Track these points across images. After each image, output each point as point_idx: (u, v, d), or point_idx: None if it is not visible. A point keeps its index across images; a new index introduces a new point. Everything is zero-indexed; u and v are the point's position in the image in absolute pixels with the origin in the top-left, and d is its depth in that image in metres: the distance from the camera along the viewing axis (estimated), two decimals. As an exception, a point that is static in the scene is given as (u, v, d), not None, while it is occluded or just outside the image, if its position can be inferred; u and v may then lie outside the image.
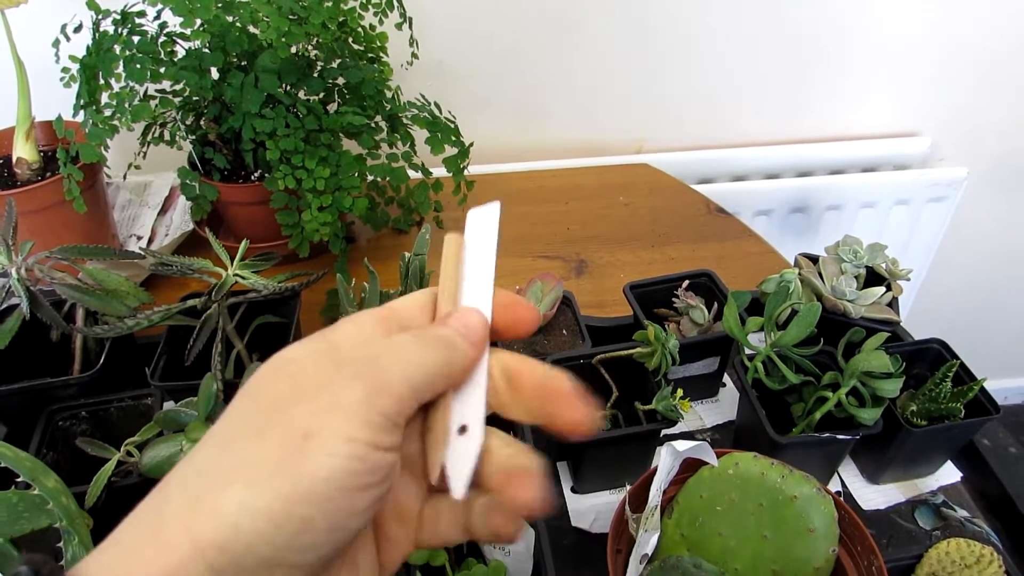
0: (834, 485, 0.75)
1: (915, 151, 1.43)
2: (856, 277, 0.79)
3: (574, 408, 0.30)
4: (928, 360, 0.76)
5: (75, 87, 0.86)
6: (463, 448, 0.30)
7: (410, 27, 0.95)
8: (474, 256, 0.34)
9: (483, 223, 0.35)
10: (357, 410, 0.26)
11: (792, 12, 1.25)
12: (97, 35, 0.85)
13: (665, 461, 0.57)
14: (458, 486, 0.30)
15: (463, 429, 0.30)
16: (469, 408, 0.31)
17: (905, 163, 1.44)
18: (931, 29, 1.31)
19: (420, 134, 0.93)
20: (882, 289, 0.78)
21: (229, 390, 0.66)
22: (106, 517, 0.60)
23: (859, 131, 1.44)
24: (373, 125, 0.91)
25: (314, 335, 0.30)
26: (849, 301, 0.77)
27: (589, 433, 0.31)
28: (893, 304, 0.79)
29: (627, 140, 1.38)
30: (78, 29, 0.87)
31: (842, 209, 1.38)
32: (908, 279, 0.81)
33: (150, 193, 1.14)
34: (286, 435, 0.26)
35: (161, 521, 0.25)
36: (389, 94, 0.93)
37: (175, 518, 0.25)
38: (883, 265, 0.81)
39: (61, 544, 0.52)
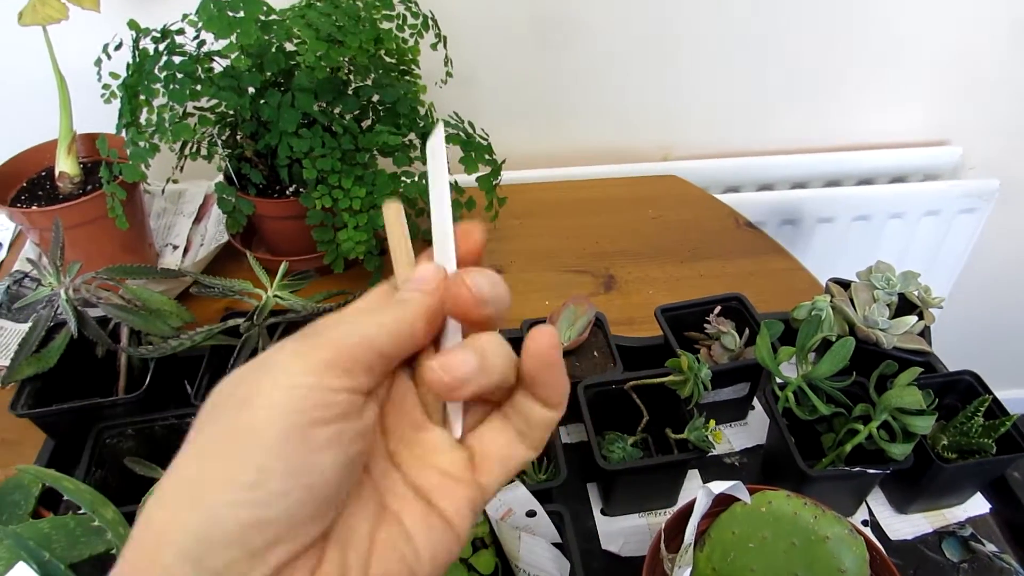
0: (861, 514, 0.75)
1: (946, 161, 1.42)
2: (888, 305, 0.80)
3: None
4: (959, 391, 0.76)
5: (115, 104, 0.88)
6: None
7: (444, 46, 0.95)
8: (436, 183, 0.34)
9: (434, 150, 0.34)
10: (290, 365, 0.27)
11: (822, 18, 1.24)
12: (137, 54, 0.87)
13: (700, 501, 0.58)
14: (456, 428, 0.32)
15: None
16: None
17: (935, 173, 1.43)
18: (964, 36, 1.30)
19: (452, 151, 0.94)
20: (914, 319, 0.78)
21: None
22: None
23: (889, 140, 1.43)
24: (407, 143, 0.92)
25: None
26: (881, 330, 0.77)
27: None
28: (925, 333, 0.80)
29: (654, 147, 1.38)
30: (119, 47, 0.88)
31: (870, 219, 1.38)
32: (940, 307, 0.81)
33: (185, 201, 1.16)
34: (229, 410, 0.27)
35: (148, 542, 0.26)
36: (423, 111, 0.94)
37: (156, 533, 0.25)
38: (916, 292, 0.82)
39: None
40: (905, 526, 0.75)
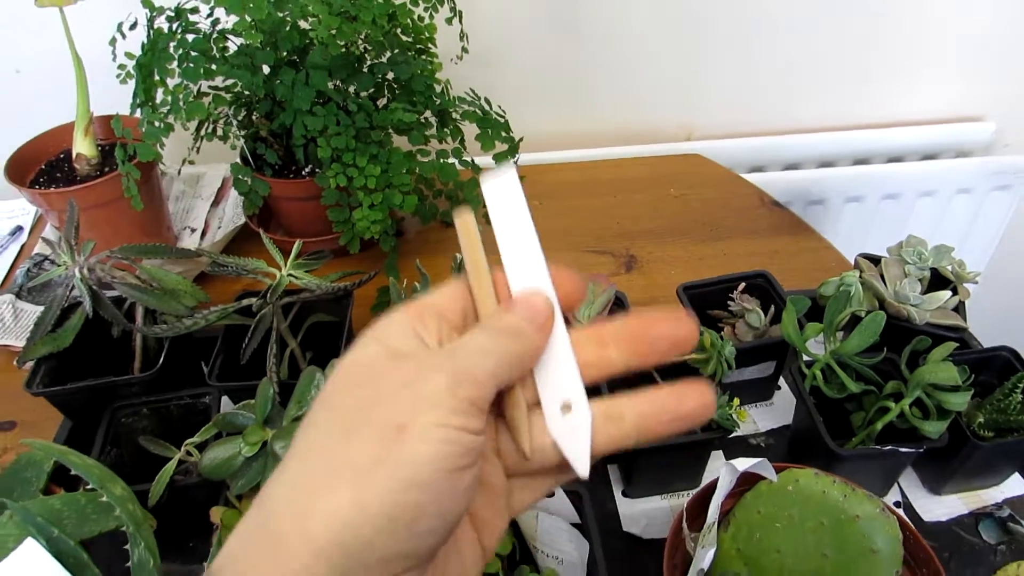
0: (893, 495, 0.73)
1: (979, 137, 1.37)
2: (920, 280, 0.77)
3: (669, 324, 0.31)
4: (996, 368, 0.73)
5: (131, 84, 0.87)
6: (573, 425, 0.31)
7: (460, 21, 0.93)
8: (507, 230, 0.32)
9: (503, 192, 0.32)
10: (442, 399, 0.27)
11: (852, -6, 1.21)
12: (152, 32, 0.86)
13: (724, 479, 0.56)
14: (580, 464, 0.30)
15: (566, 407, 0.31)
16: (565, 385, 0.31)
17: (968, 150, 1.39)
18: (998, 9, 1.25)
19: (469, 129, 0.93)
20: (948, 293, 0.75)
21: (284, 392, 0.67)
22: (168, 515, 0.62)
23: (919, 116, 1.39)
24: (423, 121, 0.91)
25: (362, 340, 0.30)
26: (913, 306, 0.74)
27: (692, 346, 0.32)
28: (959, 309, 0.76)
29: (676, 127, 1.35)
30: (133, 26, 0.87)
31: (900, 198, 1.34)
32: (976, 282, 0.78)
33: (203, 185, 1.16)
34: (379, 431, 0.26)
35: (274, 534, 0.26)
36: (438, 88, 0.92)
37: (288, 528, 0.26)
38: (949, 267, 0.78)
39: (128, 546, 0.54)
40: (939, 508, 0.72)
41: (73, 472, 0.53)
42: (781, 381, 0.84)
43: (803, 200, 1.32)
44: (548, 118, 1.30)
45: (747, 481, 0.60)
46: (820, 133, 1.36)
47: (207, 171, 1.17)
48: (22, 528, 0.52)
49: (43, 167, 0.98)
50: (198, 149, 0.97)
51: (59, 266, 0.74)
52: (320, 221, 0.95)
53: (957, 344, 0.67)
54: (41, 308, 0.96)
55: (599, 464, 0.77)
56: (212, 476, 0.63)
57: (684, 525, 0.58)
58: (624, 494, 0.75)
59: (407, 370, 0.28)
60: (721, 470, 0.57)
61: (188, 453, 0.67)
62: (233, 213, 1.10)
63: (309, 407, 0.64)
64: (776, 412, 0.82)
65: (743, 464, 0.56)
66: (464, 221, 0.32)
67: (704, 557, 0.55)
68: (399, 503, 0.25)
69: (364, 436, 0.27)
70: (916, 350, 0.68)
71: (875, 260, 0.82)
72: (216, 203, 1.13)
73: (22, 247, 1.12)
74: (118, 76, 0.87)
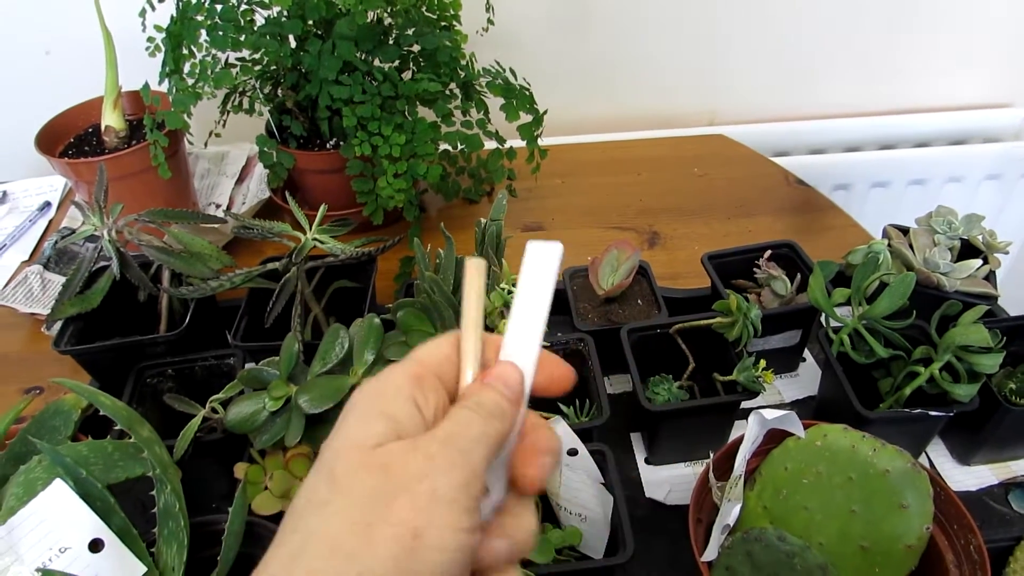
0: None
1: (1008, 123, 1.35)
2: (950, 249, 0.76)
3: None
4: (1028, 337, 0.72)
5: (159, 57, 0.88)
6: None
7: (486, -9, 0.94)
8: (527, 295, 0.33)
9: (543, 261, 0.33)
10: (456, 499, 0.28)
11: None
12: (181, 4, 0.87)
13: (752, 429, 0.56)
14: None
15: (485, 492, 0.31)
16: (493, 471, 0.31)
17: (996, 135, 1.37)
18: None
19: (493, 103, 0.93)
20: (979, 262, 0.74)
21: (308, 353, 0.68)
22: (192, 470, 0.62)
23: (947, 102, 1.37)
24: (448, 92, 0.91)
25: (366, 408, 0.31)
26: (943, 274, 0.73)
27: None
28: (990, 278, 0.75)
29: (699, 111, 1.34)
30: (163, -1, 0.89)
31: (927, 184, 1.32)
32: (1007, 252, 0.76)
33: (228, 163, 1.17)
34: (395, 535, 0.27)
35: None
36: (463, 61, 0.93)
37: None
38: (980, 237, 0.77)
39: (153, 492, 0.54)
40: (969, 478, 0.71)
41: (102, 413, 0.54)
42: (806, 353, 0.83)
43: (828, 184, 1.31)
44: (572, 102, 1.29)
45: (774, 440, 0.59)
46: (845, 119, 1.35)
47: (231, 149, 1.18)
48: (51, 471, 0.53)
49: (72, 140, 0.99)
50: (224, 123, 0.98)
51: (87, 226, 0.75)
52: (344, 195, 0.96)
53: (989, 307, 0.65)
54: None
55: (623, 432, 0.77)
56: (236, 430, 0.64)
57: (711, 475, 0.57)
58: (647, 461, 0.74)
59: (417, 462, 0.28)
60: (749, 419, 0.56)
61: (213, 410, 0.67)
62: (257, 190, 1.11)
63: (332, 361, 0.64)
64: (801, 383, 0.81)
65: (771, 414, 0.55)
66: (476, 267, 0.33)
67: (730, 512, 0.55)
68: None
69: (380, 537, 0.27)
70: (946, 315, 0.67)
71: (904, 230, 0.81)
72: (240, 180, 1.14)
73: (50, 222, 1.13)
74: (147, 48, 0.88)
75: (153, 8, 0.88)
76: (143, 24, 0.87)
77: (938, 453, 0.73)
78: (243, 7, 0.88)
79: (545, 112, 0.92)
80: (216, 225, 0.85)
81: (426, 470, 0.28)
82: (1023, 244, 1.43)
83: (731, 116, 1.35)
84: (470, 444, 0.29)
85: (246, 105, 0.96)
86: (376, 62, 0.90)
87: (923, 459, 0.72)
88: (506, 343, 0.33)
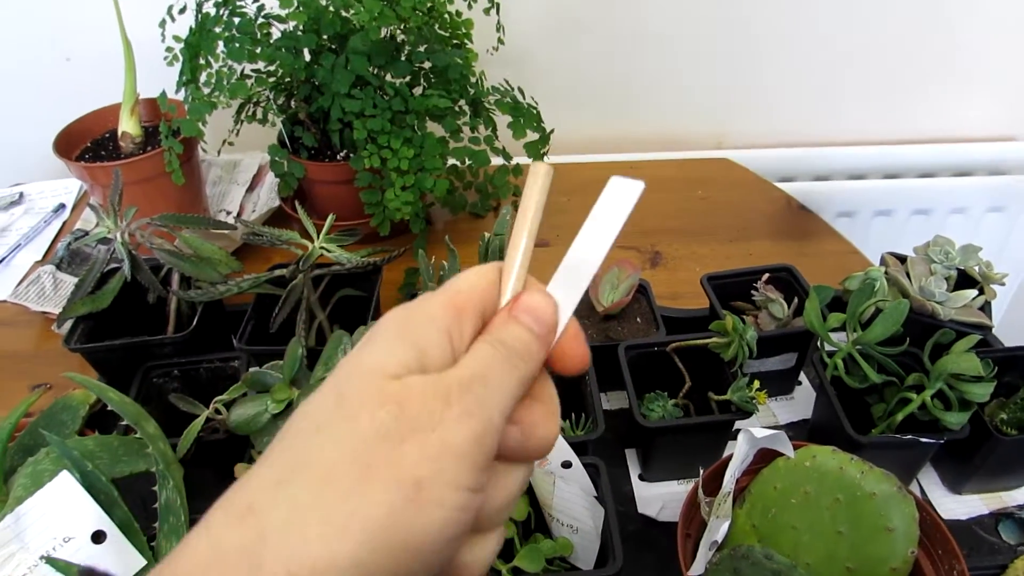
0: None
1: (1012, 156, 1.36)
2: (946, 279, 0.77)
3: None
4: (1021, 368, 0.72)
5: (177, 67, 0.90)
6: None
7: (497, 12, 0.96)
8: (593, 228, 0.31)
9: (620, 195, 0.31)
10: (467, 453, 0.26)
11: (886, 8, 1.22)
12: (200, 16, 0.89)
13: (741, 447, 0.57)
14: None
15: None
16: None
17: (1001, 168, 1.38)
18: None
19: (501, 120, 0.95)
20: (974, 292, 0.75)
21: (311, 359, 0.69)
22: (194, 469, 0.64)
23: (952, 133, 1.38)
24: (457, 108, 0.93)
25: (393, 331, 0.28)
26: (938, 303, 0.74)
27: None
28: (985, 308, 0.76)
29: (708, 134, 1.36)
30: (183, 10, 0.91)
31: (930, 214, 1.33)
32: (1003, 283, 0.77)
33: (239, 171, 1.19)
34: (397, 481, 0.24)
35: (260, 561, 0.23)
36: (473, 79, 0.95)
37: (276, 560, 0.23)
38: (976, 268, 0.78)
39: (156, 488, 0.56)
40: (959, 507, 0.71)
41: (108, 410, 0.55)
42: (802, 376, 0.84)
43: (833, 211, 1.32)
44: (580, 123, 1.31)
45: (764, 458, 0.60)
46: (852, 147, 1.36)
47: (244, 158, 1.20)
48: (58, 463, 0.54)
49: (89, 144, 1.01)
50: (237, 132, 1.00)
51: (101, 228, 0.77)
52: (352, 206, 0.98)
53: (981, 336, 0.66)
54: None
55: (618, 449, 0.78)
56: (239, 431, 0.65)
57: (700, 491, 0.58)
58: (641, 477, 0.75)
59: (434, 403, 0.26)
60: (739, 437, 0.57)
61: (216, 411, 0.69)
62: (267, 198, 1.13)
63: (336, 362, 0.66)
64: (796, 406, 0.82)
65: (760, 433, 0.56)
66: (543, 172, 0.31)
67: (718, 528, 0.56)
68: (396, 568, 0.24)
69: (379, 481, 0.24)
70: (939, 343, 0.68)
71: (901, 258, 0.82)
72: (251, 189, 1.16)
73: (64, 223, 1.16)
74: (165, 58, 0.90)
75: (173, 19, 0.91)
76: (162, 35, 0.89)
77: (930, 481, 0.73)
78: (260, 20, 0.91)
79: (551, 131, 0.94)
80: (226, 231, 0.87)
81: (441, 416, 0.25)
82: (1025, 276, 1.44)
83: (739, 140, 1.36)
84: (489, 392, 0.27)
85: (260, 115, 0.98)
86: (388, 77, 0.92)
87: (915, 486, 0.73)
88: (560, 271, 0.31)
